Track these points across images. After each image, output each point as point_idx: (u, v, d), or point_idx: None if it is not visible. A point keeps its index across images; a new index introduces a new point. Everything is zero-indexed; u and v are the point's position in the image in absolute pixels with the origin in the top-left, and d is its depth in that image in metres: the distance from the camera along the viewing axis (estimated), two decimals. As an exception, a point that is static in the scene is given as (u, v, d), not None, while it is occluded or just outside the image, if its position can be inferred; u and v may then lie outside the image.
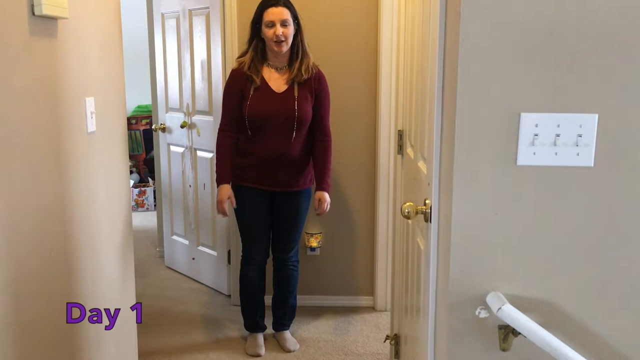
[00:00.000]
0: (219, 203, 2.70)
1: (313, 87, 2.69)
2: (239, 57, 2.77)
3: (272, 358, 2.85)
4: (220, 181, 2.72)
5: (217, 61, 3.32)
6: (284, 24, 2.58)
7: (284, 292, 2.93)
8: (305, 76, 2.65)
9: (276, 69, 2.68)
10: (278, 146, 2.65)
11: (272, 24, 2.57)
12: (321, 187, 2.77)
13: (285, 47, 2.61)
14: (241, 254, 2.89)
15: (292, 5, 2.63)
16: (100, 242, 1.92)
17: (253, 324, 2.94)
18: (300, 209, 2.80)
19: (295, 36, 2.64)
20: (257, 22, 2.63)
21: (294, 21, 2.62)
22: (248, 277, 2.86)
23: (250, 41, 2.69)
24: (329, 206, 2.78)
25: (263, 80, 2.65)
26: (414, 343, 1.88)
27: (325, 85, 2.76)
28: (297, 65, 2.65)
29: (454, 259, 1.25)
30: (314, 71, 2.70)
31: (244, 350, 2.89)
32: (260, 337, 2.94)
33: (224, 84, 2.83)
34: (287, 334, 2.98)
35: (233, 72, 2.73)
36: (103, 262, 1.95)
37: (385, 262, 3.31)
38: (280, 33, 2.56)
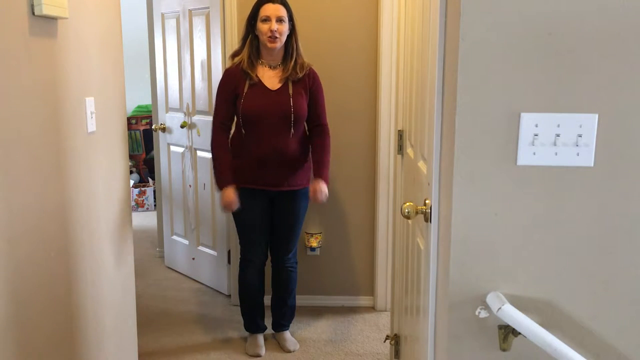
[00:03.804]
0: (227, 206, 2.64)
1: (308, 85, 2.70)
2: (232, 55, 2.76)
3: (272, 358, 2.85)
4: (223, 184, 2.65)
5: (217, 61, 3.32)
6: (279, 20, 2.58)
7: (283, 293, 2.93)
8: (300, 74, 2.66)
9: (269, 66, 2.68)
10: (275, 144, 2.64)
11: (267, 19, 2.58)
12: (318, 173, 2.67)
13: (279, 44, 2.61)
14: (239, 255, 2.89)
15: (288, 5, 2.64)
16: (100, 242, 1.92)
17: (253, 325, 2.94)
18: (298, 210, 2.80)
19: (289, 36, 2.65)
20: (252, 19, 2.64)
21: (289, 21, 2.63)
22: (247, 278, 2.86)
23: (244, 38, 2.69)
24: (326, 197, 2.67)
25: (257, 77, 2.65)
26: (414, 343, 1.88)
27: (320, 82, 2.76)
28: (291, 64, 2.66)
29: (454, 259, 1.25)
30: (308, 69, 2.71)
31: (244, 351, 2.89)
32: (260, 337, 2.94)
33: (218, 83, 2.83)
34: (287, 334, 2.98)
35: (227, 70, 2.74)
36: (103, 262, 1.95)
37: (385, 262, 3.31)
38: (275, 29, 2.57)
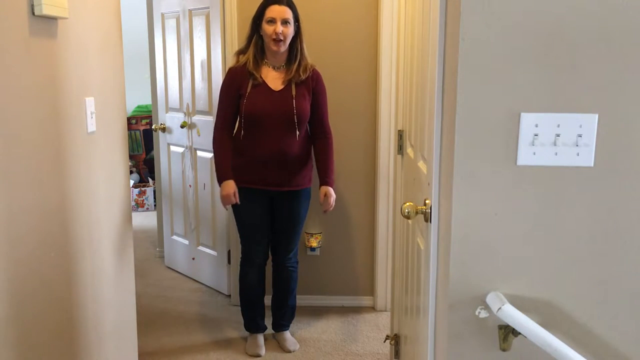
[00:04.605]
0: (226, 197, 2.67)
1: (311, 86, 2.70)
2: (238, 53, 2.76)
3: (272, 358, 2.85)
4: (223, 178, 2.69)
5: (217, 61, 3.32)
6: (284, 22, 2.58)
7: (284, 292, 2.93)
8: (303, 77, 2.66)
9: (274, 67, 2.68)
10: (276, 145, 2.64)
11: (273, 21, 2.58)
12: (325, 181, 2.78)
13: (283, 47, 2.62)
14: (240, 255, 2.89)
15: (294, 6, 2.64)
16: (100, 242, 1.92)
17: (253, 325, 2.94)
18: (299, 210, 2.80)
19: (295, 37, 2.65)
20: (258, 19, 2.64)
21: (294, 22, 2.62)
22: (248, 278, 2.86)
23: (250, 38, 2.69)
24: (334, 202, 2.81)
25: (261, 78, 2.65)
26: (414, 343, 1.88)
27: (323, 84, 2.77)
28: (295, 66, 2.66)
29: (454, 259, 1.25)
30: (311, 71, 2.71)
31: (244, 351, 2.89)
32: (260, 337, 2.94)
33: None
34: (287, 334, 2.98)
35: (231, 70, 2.73)
36: (103, 262, 1.95)
37: (385, 262, 3.31)
38: (280, 31, 2.57)
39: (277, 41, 2.58)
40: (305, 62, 2.69)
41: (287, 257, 2.88)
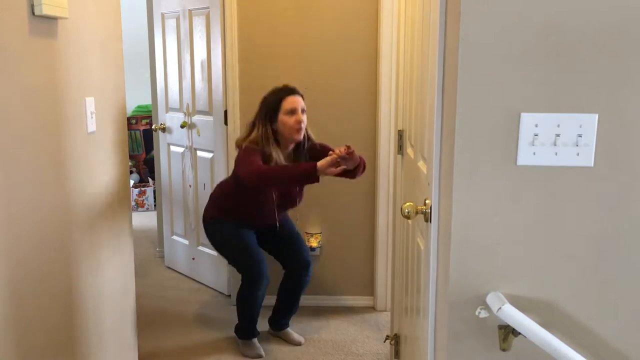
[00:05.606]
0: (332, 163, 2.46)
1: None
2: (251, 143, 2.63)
3: (272, 357, 2.85)
4: (312, 165, 2.48)
5: (217, 61, 3.32)
6: (302, 111, 2.63)
7: (297, 297, 2.98)
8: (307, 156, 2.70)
9: (285, 155, 2.67)
10: (284, 205, 2.82)
11: (294, 112, 2.59)
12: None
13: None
14: (249, 279, 2.77)
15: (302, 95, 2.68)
16: (100, 242, 1.92)
17: (254, 331, 2.92)
18: (292, 223, 2.98)
19: None
20: (274, 111, 2.60)
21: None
22: (258, 297, 2.81)
23: (265, 131, 2.60)
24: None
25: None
26: (414, 343, 1.88)
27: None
28: (305, 150, 2.70)
29: (454, 259, 1.26)
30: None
31: (243, 354, 2.87)
32: (257, 340, 2.93)
33: (247, 146, 2.61)
34: (290, 329, 3.03)
35: (255, 149, 2.60)
36: (103, 262, 1.95)
37: (385, 262, 3.31)
38: (302, 119, 2.60)
39: (299, 130, 2.61)
40: (312, 142, 2.72)
41: (309, 265, 2.92)
